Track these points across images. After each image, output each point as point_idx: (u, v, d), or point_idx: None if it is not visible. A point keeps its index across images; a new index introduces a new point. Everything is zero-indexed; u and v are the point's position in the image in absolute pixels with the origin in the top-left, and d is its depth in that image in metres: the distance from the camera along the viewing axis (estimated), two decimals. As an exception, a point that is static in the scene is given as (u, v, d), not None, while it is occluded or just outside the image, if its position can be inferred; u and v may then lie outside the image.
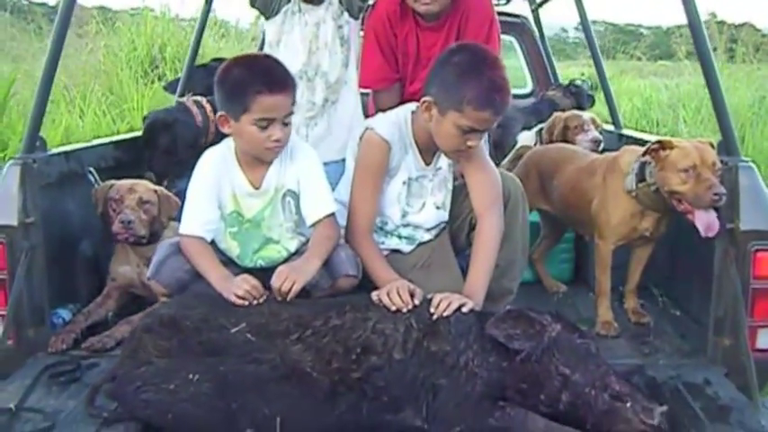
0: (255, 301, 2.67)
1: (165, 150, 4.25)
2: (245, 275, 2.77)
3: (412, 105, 3.09)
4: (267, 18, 3.65)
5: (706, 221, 3.06)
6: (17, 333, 3.01)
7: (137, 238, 3.39)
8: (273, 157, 2.92)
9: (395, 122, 3.04)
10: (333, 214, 2.98)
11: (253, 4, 3.66)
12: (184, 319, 2.58)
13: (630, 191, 3.36)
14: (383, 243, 3.14)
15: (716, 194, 3.01)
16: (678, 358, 3.15)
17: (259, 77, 2.78)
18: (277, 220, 3.01)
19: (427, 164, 3.11)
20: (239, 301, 2.66)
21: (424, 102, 2.91)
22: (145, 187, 3.49)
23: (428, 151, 3.10)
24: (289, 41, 3.60)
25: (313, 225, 2.97)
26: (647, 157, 3.27)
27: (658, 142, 3.21)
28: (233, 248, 3.04)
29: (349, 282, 2.94)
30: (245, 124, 2.82)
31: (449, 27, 3.56)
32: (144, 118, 4.48)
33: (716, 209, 3.06)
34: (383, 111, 3.24)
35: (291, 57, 3.51)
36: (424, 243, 3.18)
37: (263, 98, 2.77)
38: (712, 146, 3.16)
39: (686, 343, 3.28)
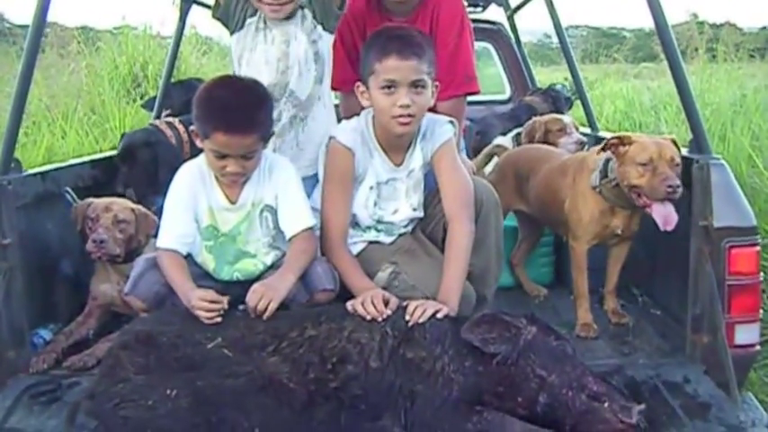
0: (216, 315, 2.65)
1: (144, 170, 4.24)
2: (205, 291, 2.74)
3: (372, 109, 3.10)
4: (231, 32, 3.45)
5: (663, 214, 3.14)
6: (-3, 355, 2.99)
7: (110, 257, 3.39)
8: (234, 181, 2.93)
9: (356, 128, 3.06)
10: (311, 228, 2.98)
11: (214, 15, 3.46)
12: (161, 335, 2.57)
13: (595, 187, 3.39)
14: (361, 236, 3.16)
15: (670, 186, 3.08)
16: (658, 357, 3.17)
17: (218, 115, 2.78)
18: (254, 235, 3.02)
19: (397, 164, 3.11)
20: (202, 315, 2.65)
21: (357, 87, 3.02)
22: (121, 206, 3.49)
23: (395, 150, 3.11)
24: (251, 60, 3.40)
25: (291, 239, 2.97)
26: (610, 153, 3.32)
27: (617, 137, 3.26)
28: (208, 262, 3.04)
29: (326, 296, 2.93)
30: (206, 148, 2.86)
31: (420, 24, 3.51)
32: (121, 137, 4.47)
33: (674, 203, 3.14)
34: (352, 114, 3.24)
35: (255, 76, 3.21)
36: (402, 234, 3.20)
37: (219, 135, 2.77)
38: (675, 142, 3.21)
39: (666, 342, 3.30)
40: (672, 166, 3.14)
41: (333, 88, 3.63)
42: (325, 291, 2.93)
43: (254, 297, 2.68)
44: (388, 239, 3.17)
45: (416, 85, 2.91)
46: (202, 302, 2.67)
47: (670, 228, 3.13)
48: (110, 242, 3.36)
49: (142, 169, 4.22)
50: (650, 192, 3.17)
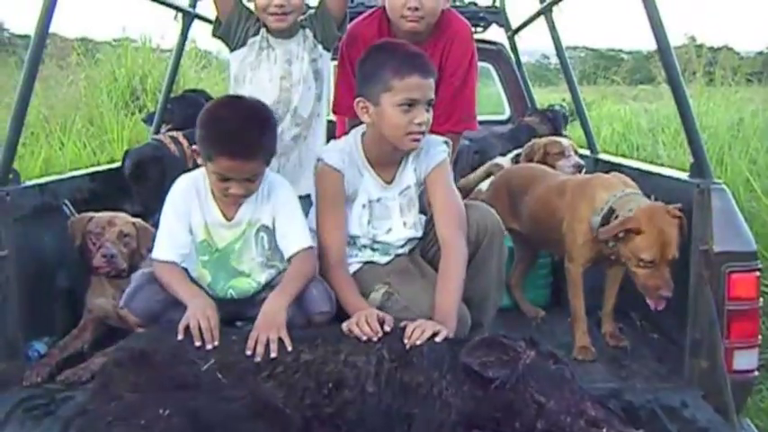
0: (206, 343, 2.60)
1: (155, 185, 4.20)
2: (209, 311, 2.71)
3: (362, 128, 3.10)
4: (231, 50, 3.51)
5: (653, 302, 3.23)
6: (-9, 367, 2.98)
7: (118, 272, 3.39)
8: (236, 202, 2.93)
9: (343, 149, 3.06)
10: (310, 248, 2.97)
11: (215, 33, 3.51)
12: (155, 353, 2.55)
13: (593, 229, 3.38)
14: (356, 255, 3.14)
15: (662, 297, 3.16)
16: (656, 381, 3.16)
17: (223, 140, 2.77)
18: (248, 254, 3.00)
19: (388, 182, 3.11)
20: (194, 333, 2.61)
21: (359, 103, 2.98)
22: (124, 220, 3.49)
23: (385, 168, 3.10)
24: (255, 78, 3.46)
25: (289, 259, 2.96)
26: (617, 208, 3.31)
27: (628, 230, 3.21)
28: (204, 277, 3.02)
29: (323, 317, 2.91)
30: (209, 170, 2.86)
31: (431, 54, 3.48)
32: (126, 153, 4.44)
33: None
34: None
35: (259, 94, 3.30)
36: (399, 255, 3.18)
37: (223, 160, 2.77)
38: (682, 218, 3.16)
39: (664, 366, 3.29)
40: (670, 264, 3.17)
41: (338, 113, 3.66)
42: (322, 313, 2.91)
43: (254, 342, 2.60)
44: (383, 259, 3.15)
45: (430, 103, 2.93)
46: (199, 321, 2.64)
47: (660, 308, 3.21)
48: (118, 257, 3.36)
49: (153, 184, 4.20)
50: (642, 288, 3.24)
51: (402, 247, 3.18)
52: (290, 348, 2.59)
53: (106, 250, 3.35)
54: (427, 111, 2.92)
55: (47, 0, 3.07)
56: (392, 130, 2.93)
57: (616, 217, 3.28)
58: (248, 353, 2.57)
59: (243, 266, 3.01)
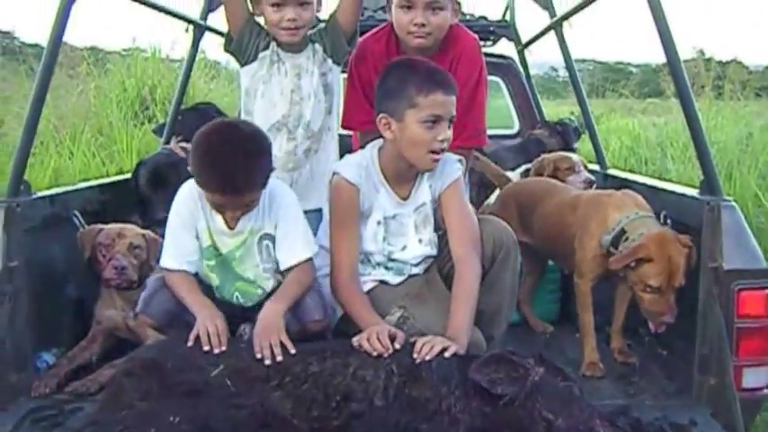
0: (214, 347, 2.65)
1: (173, 191, 4.17)
2: (217, 319, 2.76)
3: (378, 142, 3.11)
4: (242, 64, 3.54)
5: (654, 325, 3.29)
6: (0, 378, 2.99)
7: (129, 284, 3.41)
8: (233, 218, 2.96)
9: (360, 163, 3.06)
10: (309, 260, 2.99)
11: (227, 49, 3.54)
12: (165, 362, 2.56)
13: (603, 247, 3.38)
14: (369, 274, 3.14)
15: (663, 323, 3.21)
16: (664, 398, 3.14)
17: (217, 177, 2.79)
18: (252, 262, 3.02)
19: (404, 198, 3.11)
20: (203, 339, 2.66)
21: (381, 120, 2.97)
22: (134, 232, 3.51)
23: (401, 184, 3.11)
24: (266, 92, 3.48)
25: (287, 269, 2.99)
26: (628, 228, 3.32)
27: (640, 259, 3.21)
28: (212, 280, 3.05)
29: (317, 326, 2.96)
30: (205, 198, 2.92)
31: None
32: (139, 163, 4.42)
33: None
34: None
35: (269, 107, 3.45)
36: (413, 275, 3.18)
37: (217, 196, 2.82)
38: (692, 248, 3.16)
39: (672, 383, 3.27)
40: (675, 291, 3.20)
41: (348, 128, 3.67)
42: (316, 321, 2.95)
43: (259, 348, 2.65)
44: (396, 279, 3.15)
45: (452, 120, 2.95)
46: (207, 328, 2.69)
47: (660, 331, 3.27)
48: (129, 269, 3.37)
49: (172, 191, 4.19)
50: (645, 313, 3.28)
51: (417, 265, 3.18)
52: (292, 351, 2.62)
53: (117, 262, 3.37)
54: (449, 128, 2.94)
55: (59, 12, 3.10)
56: (415, 146, 2.94)
57: (626, 239, 3.28)
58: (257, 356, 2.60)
59: (247, 273, 3.04)
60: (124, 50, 13.06)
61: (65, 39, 3.20)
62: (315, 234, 3.18)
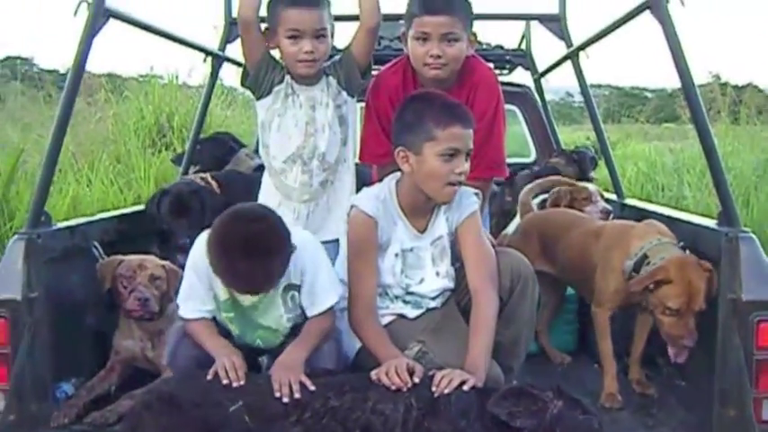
0: (233, 381, 2.66)
1: (198, 218, 4.17)
2: (234, 357, 2.77)
3: (396, 175, 3.12)
4: (257, 98, 3.55)
5: (675, 352, 3.26)
6: (19, 407, 3.00)
7: (152, 315, 3.42)
8: None
9: (378, 196, 3.07)
10: (332, 308, 2.99)
11: (243, 84, 3.57)
12: (183, 396, 2.57)
13: (625, 273, 3.38)
14: (387, 307, 3.14)
15: (684, 347, 3.20)
16: (683, 431, 3.14)
17: (236, 282, 2.79)
18: (276, 312, 3.00)
19: (421, 231, 3.12)
20: (221, 375, 2.67)
21: (399, 152, 2.99)
22: (154, 263, 3.51)
23: (418, 217, 3.11)
24: (282, 124, 3.50)
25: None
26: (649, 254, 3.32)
27: (659, 281, 3.21)
28: (232, 329, 3.04)
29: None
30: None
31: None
32: (161, 192, 4.41)
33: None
34: None
35: (285, 140, 3.47)
36: (431, 309, 3.18)
37: (235, 290, 2.87)
38: (712, 272, 3.15)
39: (691, 415, 3.26)
40: (696, 313, 3.19)
41: (365, 161, 3.68)
42: (327, 371, 2.93)
43: (278, 386, 2.65)
44: (414, 313, 3.15)
45: (469, 153, 2.97)
46: (225, 364, 2.70)
47: (681, 360, 3.25)
48: (152, 300, 3.38)
49: (195, 218, 4.19)
50: (665, 336, 3.26)
51: (434, 299, 3.18)
52: (311, 388, 2.62)
53: (140, 294, 3.37)
54: (466, 160, 2.96)
55: (81, 46, 3.14)
56: (432, 179, 2.95)
57: (648, 263, 3.28)
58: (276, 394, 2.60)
59: (269, 323, 3.02)
60: (141, 76, 13.15)
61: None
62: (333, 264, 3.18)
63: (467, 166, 2.96)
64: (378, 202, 3.05)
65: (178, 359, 2.96)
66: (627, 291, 3.38)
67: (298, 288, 2.97)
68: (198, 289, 2.95)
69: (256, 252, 2.67)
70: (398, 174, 3.11)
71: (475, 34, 3.52)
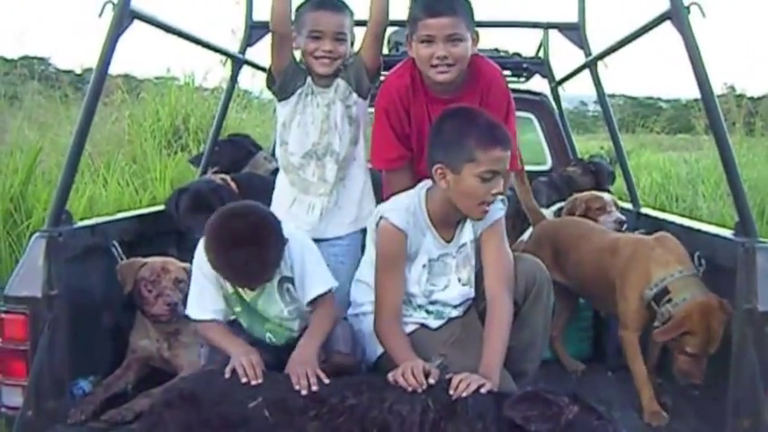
0: (251, 379, 2.69)
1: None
2: (252, 354, 2.81)
3: (427, 183, 3.15)
4: (280, 99, 3.67)
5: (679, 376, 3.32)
6: (37, 404, 3.03)
7: (178, 318, 3.42)
8: None
9: (408, 208, 3.09)
10: (329, 291, 3.04)
11: (269, 87, 3.68)
12: (204, 394, 2.59)
13: (645, 300, 3.38)
14: (411, 316, 3.17)
15: (690, 383, 3.27)
16: (697, 440, 3.13)
17: (233, 274, 2.89)
18: (275, 306, 3.08)
19: (447, 241, 3.15)
20: (240, 373, 2.70)
21: (437, 169, 3.00)
22: (176, 266, 3.52)
23: (446, 228, 3.15)
24: (302, 121, 3.61)
25: (310, 304, 3.04)
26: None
27: (687, 332, 3.22)
28: (242, 323, 3.12)
29: (343, 359, 3.02)
30: None
31: (469, 103, 3.49)
32: (179, 191, 4.41)
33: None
34: (396, 191, 3.33)
35: (304, 136, 3.60)
36: (453, 319, 3.21)
37: (231, 282, 2.94)
38: (731, 315, 3.15)
39: (704, 424, 3.26)
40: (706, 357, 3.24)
41: (376, 167, 3.71)
42: (340, 353, 3.02)
43: (296, 379, 2.69)
44: (436, 323, 3.19)
45: (504, 174, 3.03)
46: (242, 362, 2.73)
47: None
48: (180, 304, 3.38)
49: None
50: (676, 371, 3.32)
51: (456, 307, 3.21)
52: (326, 381, 2.67)
53: (169, 299, 3.38)
54: (501, 180, 2.99)
55: (105, 45, 3.17)
56: (468, 198, 2.99)
57: (669, 300, 3.28)
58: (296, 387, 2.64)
59: (272, 316, 3.10)
60: (156, 78, 13.20)
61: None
62: (341, 261, 3.39)
63: (501, 185, 3.00)
64: (408, 214, 3.07)
65: (214, 362, 2.99)
66: (648, 310, 3.38)
67: (292, 280, 3.05)
68: (206, 288, 3.02)
69: (249, 243, 2.80)
70: (427, 183, 3.14)
71: (477, 33, 3.52)
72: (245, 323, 3.11)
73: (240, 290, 3.03)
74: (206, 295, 3.02)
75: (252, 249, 2.80)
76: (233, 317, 3.12)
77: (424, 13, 3.38)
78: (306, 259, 3.05)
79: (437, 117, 3.16)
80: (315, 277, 3.04)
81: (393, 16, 3.55)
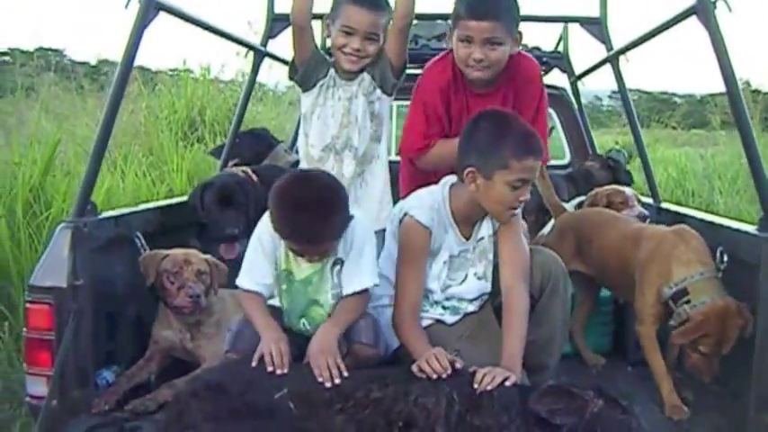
0: (277, 369, 2.71)
1: (244, 209, 4.23)
2: (280, 341, 2.82)
3: (450, 179, 3.16)
4: (304, 90, 3.68)
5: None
6: (62, 393, 3.06)
7: (201, 310, 3.46)
8: None
9: (432, 206, 3.09)
10: (367, 290, 3.04)
11: (292, 77, 3.67)
12: (230, 384, 2.60)
13: (663, 297, 3.38)
14: (427, 312, 3.18)
15: (706, 380, 3.29)
16: (718, 435, 3.13)
17: (295, 232, 2.86)
18: (325, 286, 3.07)
19: (467, 237, 3.16)
20: (266, 360, 2.73)
21: (468, 173, 2.99)
22: (198, 258, 3.53)
23: (467, 225, 3.16)
24: (322, 114, 3.62)
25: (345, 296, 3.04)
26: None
27: (705, 335, 3.22)
28: (282, 304, 3.12)
29: (364, 351, 3.01)
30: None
31: (503, 96, 3.62)
32: (204, 184, 4.41)
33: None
34: (414, 181, 3.43)
35: (323, 128, 3.61)
36: (468, 314, 3.22)
37: (294, 245, 2.92)
38: (749, 321, 3.16)
39: (726, 419, 3.25)
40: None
41: (404, 152, 3.75)
42: (362, 344, 3.00)
43: (319, 370, 2.70)
44: (452, 319, 3.20)
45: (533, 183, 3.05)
46: (271, 349, 2.75)
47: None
48: (202, 296, 3.41)
49: (242, 209, 4.21)
50: (688, 367, 3.35)
51: (472, 302, 3.23)
52: (345, 374, 2.68)
53: (192, 291, 3.39)
54: (530, 187, 3.01)
55: (131, 37, 3.19)
56: (496, 203, 3.01)
57: (687, 301, 3.27)
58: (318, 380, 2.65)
59: (319, 297, 3.08)
60: (171, 71, 13.22)
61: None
62: None
63: (528, 193, 3.01)
64: (432, 212, 3.07)
65: (237, 347, 2.98)
66: (666, 306, 3.38)
67: (342, 263, 3.05)
68: (260, 261, 3.02)
69: (317, 204, 2.80)
70: (450, 179, 3.15)
71: (520, 33, 3.54)
72: (286, 304, 3.10)
73: (294, 267, 3.03)
74: (259, 268, 3.02)
75: (318, 210, 2.80)
76: (274, 299, 3.13)
77: (466, 14, 3.42)
78: (365, 250, 3.04)
79: (470, 119, 3.16)
80: (365, 270, 3.03)
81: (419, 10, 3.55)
